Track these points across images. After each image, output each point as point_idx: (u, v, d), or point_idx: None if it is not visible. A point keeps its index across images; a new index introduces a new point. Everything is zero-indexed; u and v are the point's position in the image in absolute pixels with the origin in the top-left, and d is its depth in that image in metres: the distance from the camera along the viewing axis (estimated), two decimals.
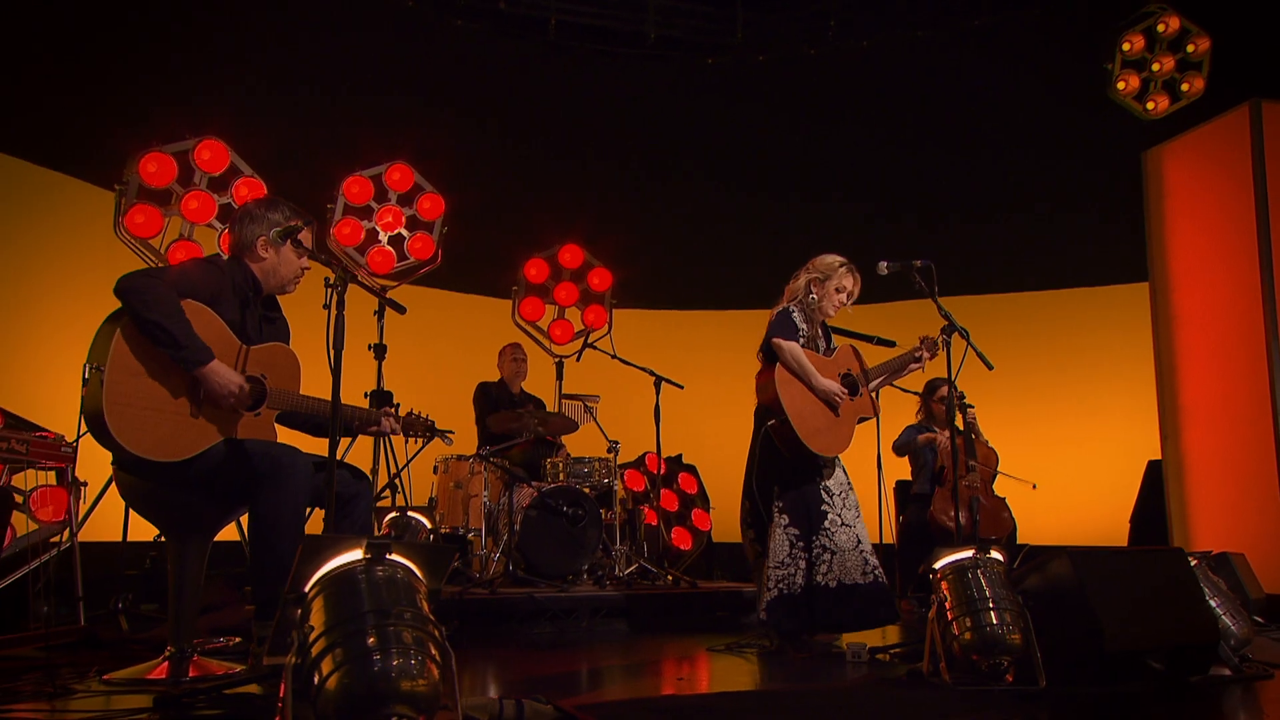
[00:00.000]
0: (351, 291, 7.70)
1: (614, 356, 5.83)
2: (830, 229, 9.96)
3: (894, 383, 4.74)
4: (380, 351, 7.47)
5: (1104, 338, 9.17)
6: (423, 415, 3.65)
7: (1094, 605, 3.04)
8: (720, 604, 5.39)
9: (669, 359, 8.64)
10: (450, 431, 3.81)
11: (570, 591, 4.84)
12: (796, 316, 4.34)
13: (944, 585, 3.08)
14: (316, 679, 1.70)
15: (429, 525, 4.67)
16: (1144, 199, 7.14)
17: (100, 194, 6.60)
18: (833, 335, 4.59)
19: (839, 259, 4.44)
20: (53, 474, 5.46)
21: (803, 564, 4.09)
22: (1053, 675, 2.94)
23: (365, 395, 7.39)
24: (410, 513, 4.70)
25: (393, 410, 3.54)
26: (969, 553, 3.11)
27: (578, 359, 6.73)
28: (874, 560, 4.21)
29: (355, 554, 1.86)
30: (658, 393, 5.47)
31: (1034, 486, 6.46)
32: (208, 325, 3.11)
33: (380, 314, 7.55)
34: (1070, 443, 9.31)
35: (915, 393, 6.77)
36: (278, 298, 3.51)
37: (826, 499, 4.21)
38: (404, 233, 7.73)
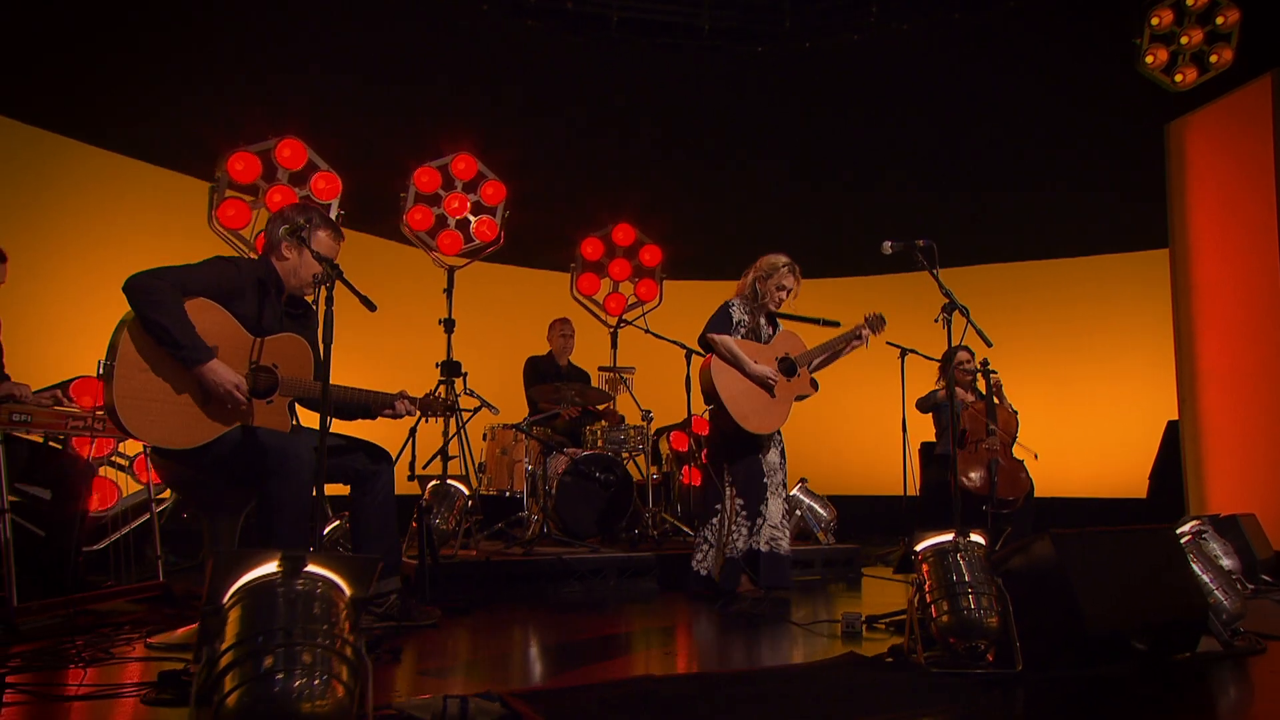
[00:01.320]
0: (422, 270, 7.80)
1: (646, 330, 5.71)
2: (873, 205, 9.67)
3: (837, 360, 4.61)
4: (449, 325, 7.49)
5: (1126, 303, 8.78)
6: (441, 396, 3.59)
7: (1075, 587, 2.78)
8: None
9: None
10: (464, 410, 3.75)
11: (599, 553, 4.71)
12: (735, 310, 4.38)
13: (925, 567, 2.89)
14: (217, 695, 1.59)
15: (467, 492, 4.63)
16: (1166, 170, 6.72)
17: (195, 184, 6.76)
18: (779, 320, 4.57)
19: (782, 260, 4.45)
20: None
21: (745, 530, 4.19)
22: (1034, 658, 2.68)
23: (436, 365, 7.42)
24: (450, 481, 4.67)
25: (406, 394, 3.49)
26: (949, 535, 2.94)
27: (616, 333, 6.65)
28: (772, 533, 4.24)
29: (272, 566, 1.71)
30: (688, 364, 5.38)
31: (1035, 456, 6.17)
32: (216, 321, 3.02)
33: (449, 290, 7.59)
34: (1094, 402, 8.91)
35: (936, 359, 6.51)
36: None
37: (767, 473, 4.28)
38: (470, 217, 7.71)
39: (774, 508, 4.28)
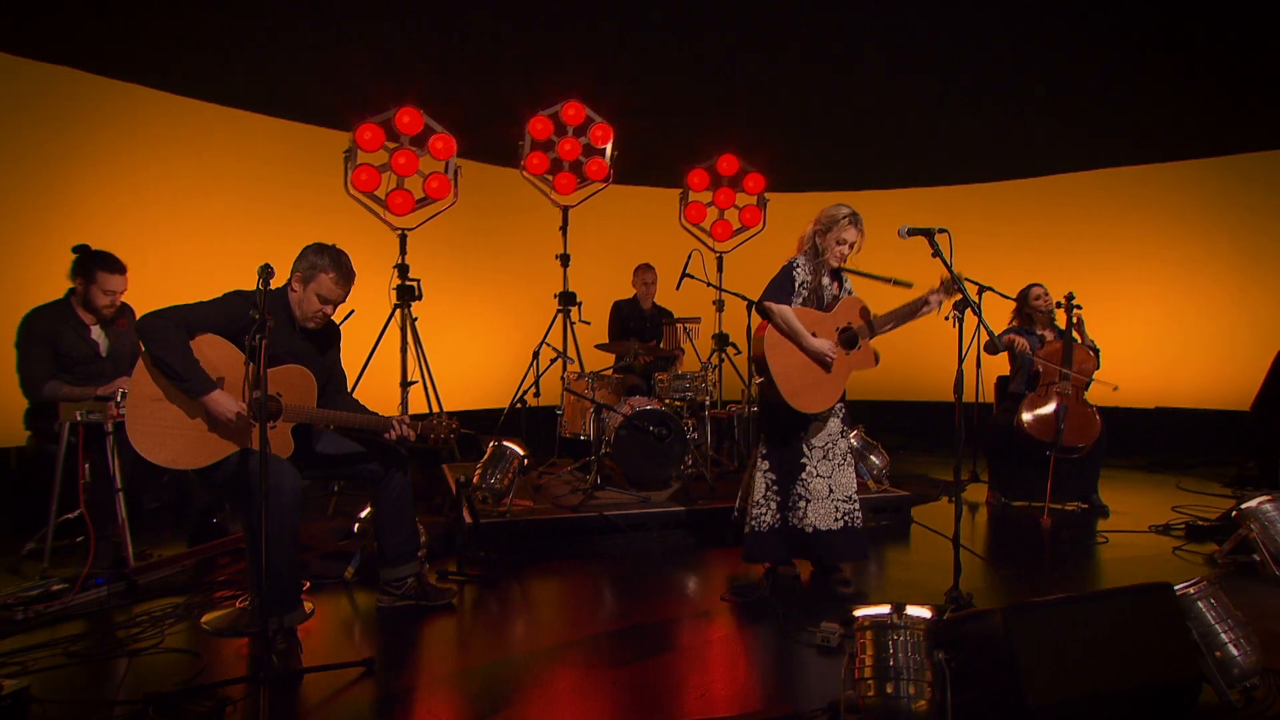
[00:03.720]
0: (537, 207, 7.41)
1: (708, 284, 5.08)
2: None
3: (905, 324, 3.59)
4: (565, 260, 7.17)
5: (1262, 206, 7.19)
6: (445, 419, 3.26)
7: (1019, 656, 2.19)
8: None
9: None
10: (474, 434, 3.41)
11: (643, 508, 4.34)
12: (799, 271, 3.51)
13: (866, 635, 2.34)
14: None
15: (521, 453, 4.38)
16: None
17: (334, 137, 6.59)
18: (843, 275, 3.66)
19: (844, 210, 3.48)
20: None
21: (774, 505, 3.53)
22: None
23: (555, 296, 7.17)
24: (505, 443, 4.42)
25: (405, 418, 3.19)
26: (887, 609, 2.34)
27: (678, 288, 6.04)
28: (846, 507, 3.53)
29: None
30: (749, 315, 4.76)
31: (1115, 389, 5.11)
32: (223, 355, 2.84)
33: (564, 228, 7.20)
34: (1214, 316, 7.48)
35: (1010, 297, 5.48)
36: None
37: (806, 454, 3.53)
38: (581, 159, 7.24)
39: (844, 480, 3.56)
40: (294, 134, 7.13)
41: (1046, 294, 5.31)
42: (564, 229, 7.16)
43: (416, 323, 6.34)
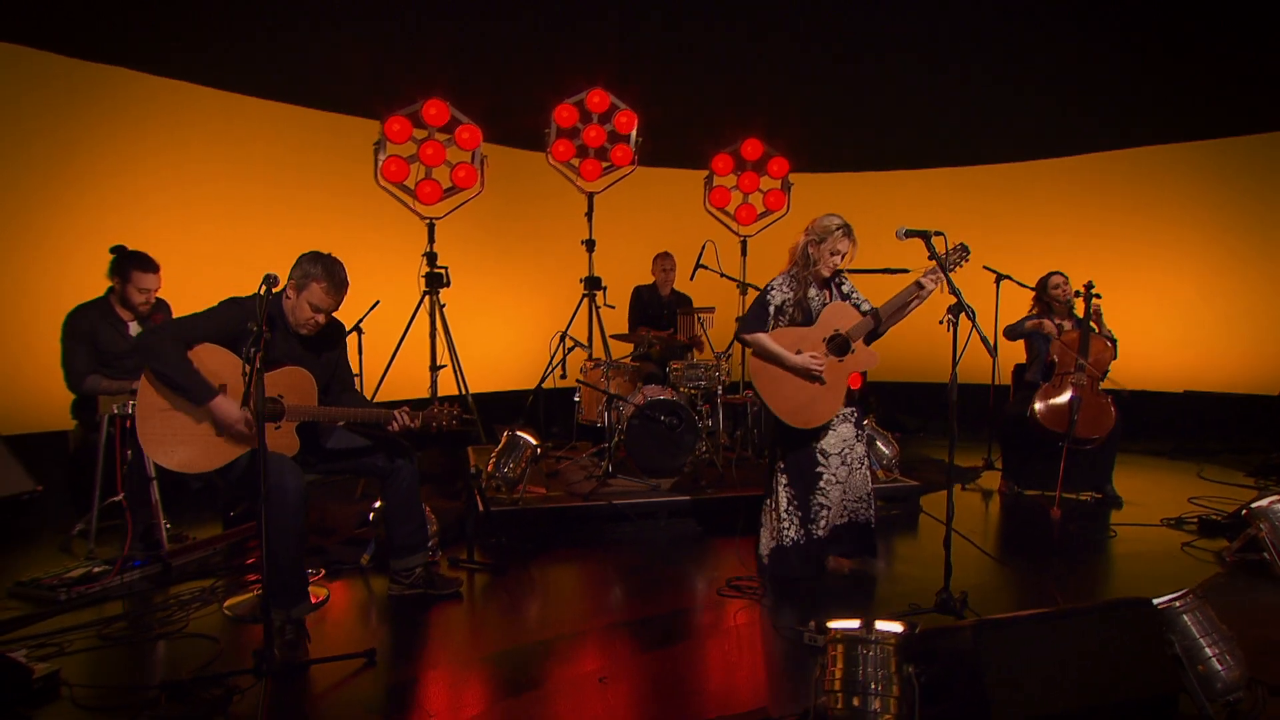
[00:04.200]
0: (563, 193, 7.34)
1: (721, 275, 5.01)
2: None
3: (904, 318, 3.46)
4: (590, 246, 7.13)
5: None
6: (446, 408, 3.29)
7: (985, 674, 2.13)
8: None
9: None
10: (470, 419, 3.42)
11: (650, 498, 4.35)
12: (774, 294, 3.43)
13: (837, 649, 2.29)
14: None
15: (534, 443, 4.39)
16: None
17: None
18: (841, 277, 3.55)
19: (836, 222, 3.36)
20: None
21: (797, 520, 3.45)
22: None
23: (580, 280, 7.15)
24: (519, 433, 4.43)
25: (406, 409, 3.22)
26: (857, 623, 2.29)
27: (691, 278, 5.98)
28: (854, 506, 3.52)
29: None
30: (742, 295, 4.65)
31: (1128, 393, 4.91)
32: (222, 361, 2.88)
33: (589, 214, 7.16)
34: (1249, 298, 7.14)
35: (1030, 287, 5.29)
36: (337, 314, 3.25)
37: (822, 460, 3.44)
38: (606, 145, 7.16)
39: (857, 483, 3.52)
40: (327, 124, 7.15)
41: (1066, 283, 5.11)
42: (589, 215, 7.12)
43: (445, 309, 6.37)
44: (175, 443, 2.85)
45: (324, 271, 3.00)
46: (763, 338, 3.41)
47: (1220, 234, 7.26)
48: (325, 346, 3.18)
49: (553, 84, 7.03)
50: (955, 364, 3.14)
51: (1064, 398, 4.80)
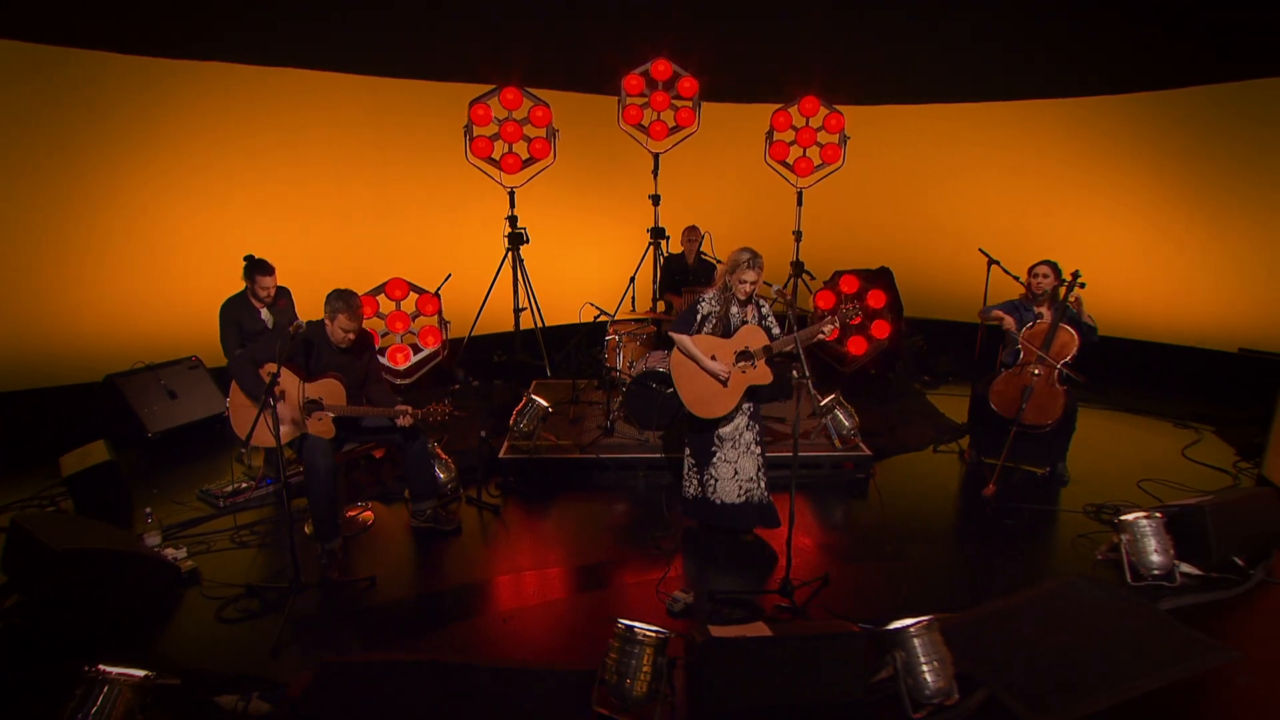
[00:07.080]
0: (631, 156, 7.68)
1: (716, 261, 5.29)
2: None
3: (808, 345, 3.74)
4: (655, 200, 7.53)
5: None
6: (438, 406, 4.10)
7: (707, 674, 2.74)
8: None
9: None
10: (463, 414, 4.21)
11: (637, 453, 5.02)
12: (703, 305, 3.88)
13: (616, 640, 2.86)
14: None
15: (545, 404, 5.10)
16: None
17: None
18: (761, 300, 3.94)
19: (744, 255, 3.73)
20: (434, 318, 6.82)
21: (696, 480, 4.11)
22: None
23: (647, 230, 7.60)
24: (534, 397, 5.19)
25: (407, 408, 4.05)
26: (640, 626, 2.91)
27: (691, 264, 6.19)
28: (747, 485, 4.01)
29: None
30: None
31: (1084, 380, 4.74)
32: (285, 377, 3.81)
33: (655, 171, 7.48)
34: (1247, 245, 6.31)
35: (1017, 277, 5.12)
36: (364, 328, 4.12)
37: (716, 443, 4.00)
38: (673, 107, 7.35)
39: (746, 465, 4.00)
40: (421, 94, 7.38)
41: (1050, 274, 4.95)
42: (655, 172, 7.46)
43: (524, 264, 7.15)
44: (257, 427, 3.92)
45: (345, 305, 3.85)
46: (685, 339, 3.88)
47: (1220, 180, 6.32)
48: (359, 352, 4.09)
49: (622, 54, 7.23)
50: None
51: (1019, 385, 4.83)
